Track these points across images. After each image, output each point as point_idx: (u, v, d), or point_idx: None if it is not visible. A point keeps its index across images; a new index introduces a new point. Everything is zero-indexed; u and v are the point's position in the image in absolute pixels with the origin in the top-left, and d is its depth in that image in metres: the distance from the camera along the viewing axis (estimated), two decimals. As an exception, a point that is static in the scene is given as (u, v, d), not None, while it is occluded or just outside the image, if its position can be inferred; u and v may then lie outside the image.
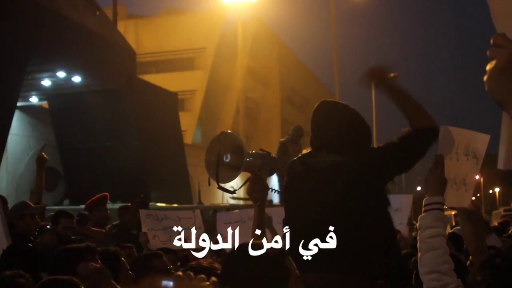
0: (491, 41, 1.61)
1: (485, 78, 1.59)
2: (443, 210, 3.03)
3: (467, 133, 3.54)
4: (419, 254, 2.93)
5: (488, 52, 1.60)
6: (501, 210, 40.24)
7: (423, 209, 3.04)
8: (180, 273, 1.79)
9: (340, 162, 3.53)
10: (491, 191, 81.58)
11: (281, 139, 10.91)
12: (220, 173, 3.67)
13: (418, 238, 2.97)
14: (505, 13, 2.04)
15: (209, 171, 3.72)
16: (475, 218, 3.99)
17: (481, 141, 3.54)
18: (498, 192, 75.23)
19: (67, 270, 3.39)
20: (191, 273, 1.77)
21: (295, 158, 3.79)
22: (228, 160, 3.70)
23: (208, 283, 1.77)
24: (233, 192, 4.17)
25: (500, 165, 1.84)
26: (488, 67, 1.59)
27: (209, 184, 3.82)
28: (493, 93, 1.57)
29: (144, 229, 5.77)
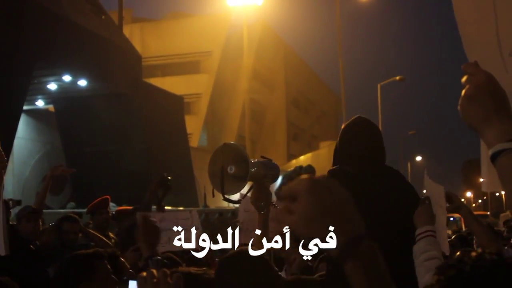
0: (463, 69, 1.64)
1: (458, 105, 1.63)
2: (434, 236, 3.12)
3: (430, 183, 3.70)
4: (419, 280, 2.98)
5: (461, 80, 1.64)
6: (508, 213, 40.04)
7: (416, 240, 3.14)
8: (144, 273, 1.81)
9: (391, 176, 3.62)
10: (497, 194, 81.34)
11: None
12: (226, 185, 3.68)
13: (415, 265, 3.03)
14: (475, 42, 2.07)
15: (213, 182, 3.72)
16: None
17: (440, 191, 3.70)
18: (505, 194, 75.03)
19: (87, 276, 3.36)
20: (154, 271, 1.80)
21: (336, 168, 3.75)
22: (232, 171, 3.71)
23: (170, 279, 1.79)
24: (239, 202, 4.21)
25: (484, 188, 1.89)
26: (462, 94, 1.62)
27: (213, 195, 3.82)
28: (464, 119, 1.61)
29: None
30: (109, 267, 3.47)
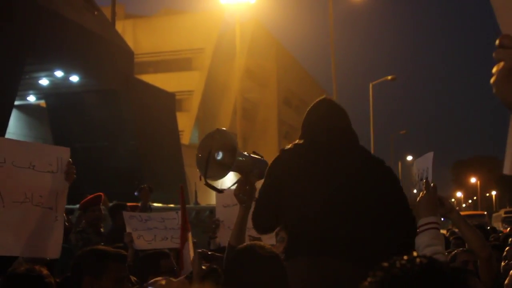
0: (497, 42, 1.54)
1: (492, 80, 1.52)
2: (439, 229, 3.08)
3: (419, 160, 3.73)
4: None
5: (494, 54, 1.53)
6: (501, 213, 40.01)
7: (418, 230, 3.09)
8: (163, 281, 1.81)
9: (355, 152, 3.55)
10: (487, 194, 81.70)
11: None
12: (210, 170, 3.69)
13: None
14: (509, 13, 2.01)
15: (199, 167, 3.73)
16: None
17: (427, 159, 3.69)
18: (495, 195, 75.40)
19: (94, 271, 3.36)
20: (173, 279, 1.80)
21: (288, 149, 3.63)
22: (220, 158, 3.72)
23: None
24: (221, 191, 4.23)
25: (506, 170, 1.75)
26: (494, 69, 1.52)
27: (200, 179, 3.81)
28: (502, 95, 1.51)
29: (128, 230, 5.81)
30: (124, 269, 3.46)
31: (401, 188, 3.55)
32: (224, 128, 3.87)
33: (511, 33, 1.60)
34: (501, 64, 1.51)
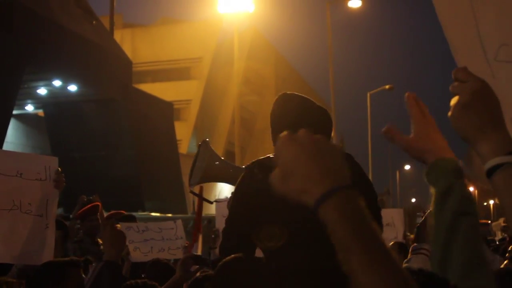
0: (453, 76, 1.54)
1: (449, 114, 1.53)
2: (428, 255, 3.13)
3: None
4: None
5: (450, 88, 1.54)
6: (501, 221, 39.92)
7: (409, 254, 3.12)
8: None
9: None
10: (485, 203, 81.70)
11: None
12: (193, 177, 3.78)
13: None
14: (460, 47, 2.02)
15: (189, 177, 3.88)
16: None
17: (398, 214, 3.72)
18: (492, 204, 75.41)
19: (56, 282, 3.41)
20: None
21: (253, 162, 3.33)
22: (198, 165, 3.86)
23: None
24: (211, 202, 4.31)
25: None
26: (451, 103, 1.53)
27: (190, 190, 3.98)
28: (458, 129, 1.51)
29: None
30: (83, 275, 3.55)
31: (371, 183, 3.26)
32: (207, 139, 4.00)
33: (466, 65, 1.60)
34: (456, 98, 1.52)
